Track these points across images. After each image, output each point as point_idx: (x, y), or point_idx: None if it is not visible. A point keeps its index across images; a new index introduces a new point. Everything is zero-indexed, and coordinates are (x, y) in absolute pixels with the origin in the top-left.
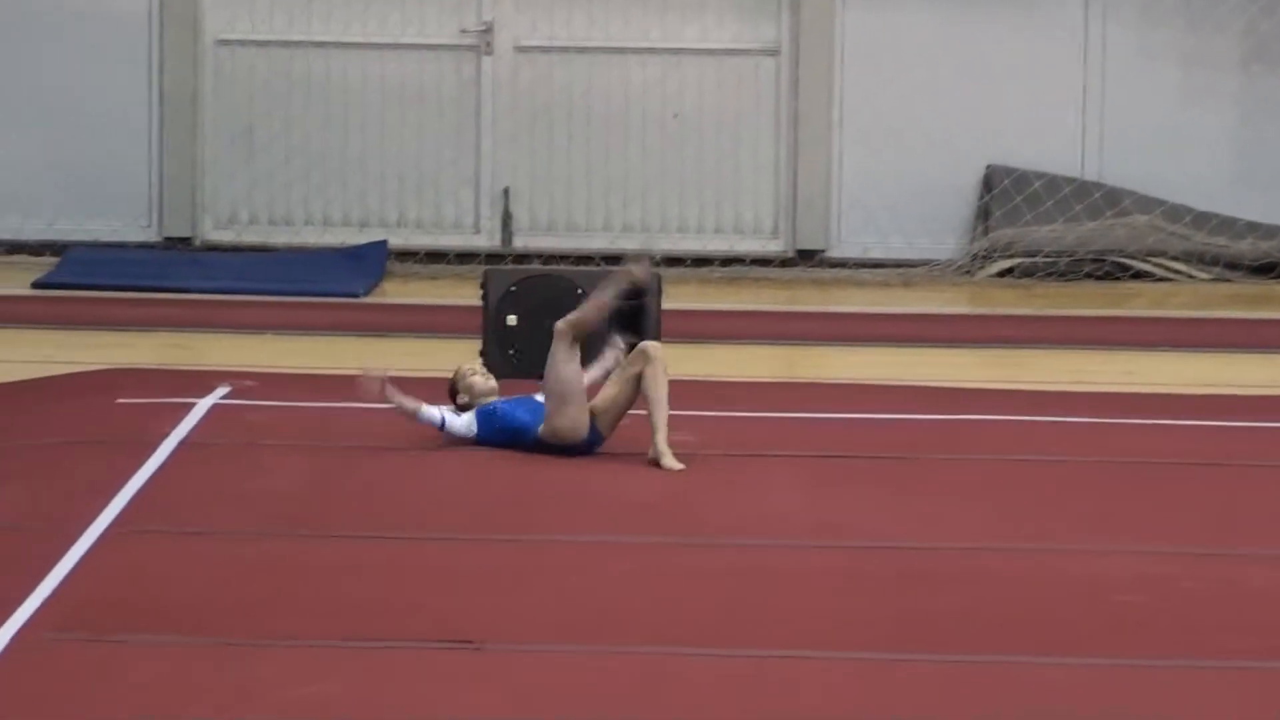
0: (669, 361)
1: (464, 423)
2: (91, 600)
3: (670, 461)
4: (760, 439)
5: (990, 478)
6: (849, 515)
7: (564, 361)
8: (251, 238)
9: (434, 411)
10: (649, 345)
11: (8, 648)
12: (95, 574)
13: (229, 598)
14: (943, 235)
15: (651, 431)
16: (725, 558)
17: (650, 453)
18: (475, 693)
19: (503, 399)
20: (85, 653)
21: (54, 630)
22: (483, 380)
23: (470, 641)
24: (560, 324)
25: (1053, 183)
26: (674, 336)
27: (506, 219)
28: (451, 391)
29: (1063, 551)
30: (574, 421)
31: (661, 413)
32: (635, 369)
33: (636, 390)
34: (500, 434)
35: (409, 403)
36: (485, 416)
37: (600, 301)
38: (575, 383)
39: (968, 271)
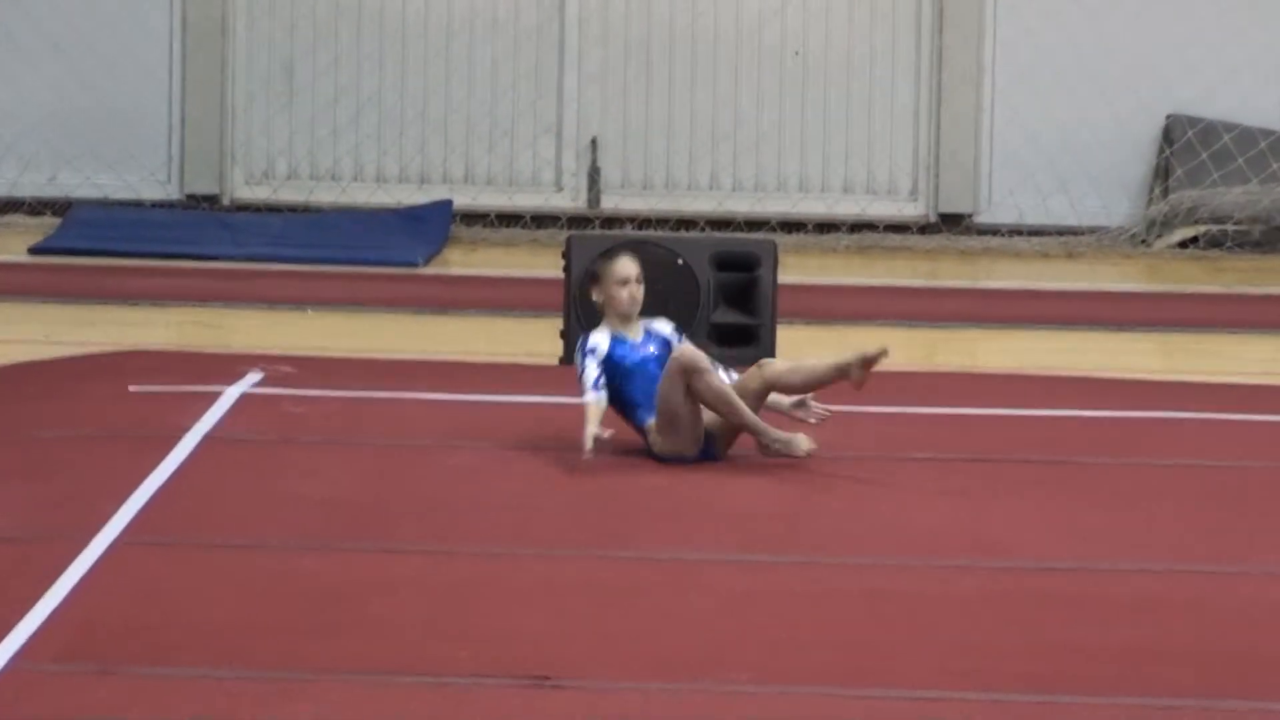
0: (787, 347)
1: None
2: (99, 624)
3: (796, 441)
4: (897, 438)
5: (1175, 485)
6: (1004, 530)
7: (672, 390)
8: (290, 195)
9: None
10: (681, 353)
11: (1, 677)
12: (103, 593)
13: (260, 622)
14: (1114, 198)
15: (755, 435)
16: (854, 580)
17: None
18: None
19: (630, 343)
20: (90, 687)
21: (54, 660)
22: (629, 299)
23: (546, 677)
24: (688, 359)
25: (1246, 135)
26: (791, 315)
27: (594, 175)
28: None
29: (1271, 574)
30: (676, 449)
31: (742, 416)
32: (682, 384)
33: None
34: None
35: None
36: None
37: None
38: (685, 416)
39: (1144, 241)
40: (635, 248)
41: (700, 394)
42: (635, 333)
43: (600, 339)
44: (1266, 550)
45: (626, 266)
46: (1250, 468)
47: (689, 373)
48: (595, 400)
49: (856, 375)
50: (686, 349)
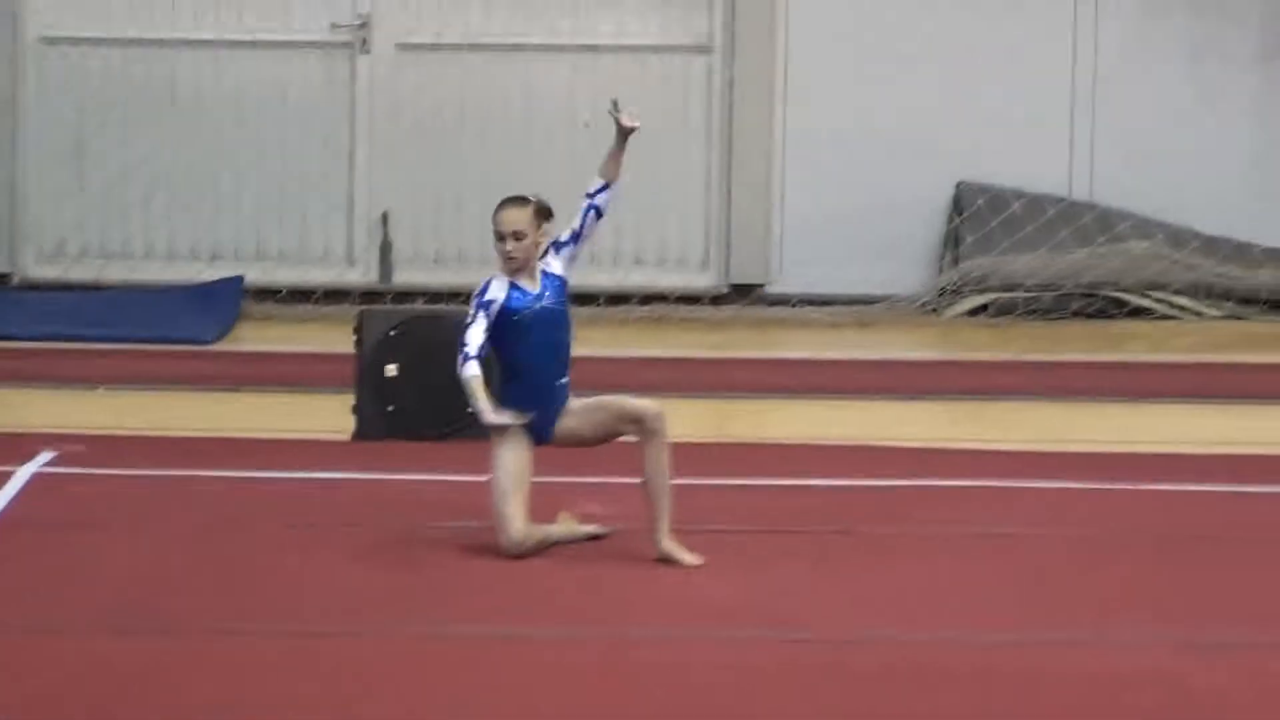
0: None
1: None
2: None
3: (685, 555)
4: (685, 510)
5: (964, 554)
6: (789, 600)
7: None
8: (82, 274)
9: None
10: (648, 410)
11: None
12: None
13: (55, 708)
14: (905, 266)
15: (654, 522)
16: (649, 652)
17: (657, 550)
18: None
19: (529, 293)
20: None
21: None
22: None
23: None
24: (656, 424)
25: (1035, 203)
26: (585, 387)
27: (385, 249)
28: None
29: (1053, 643)
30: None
31: (665, 501)
32: (619, 430)
33: (603, 440)
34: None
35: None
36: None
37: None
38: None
39: (934, 309)
40: (518, 200)
41: (648, 461)
42: (531, 282)
43: (498, 289)
44: (1051, 620)
45: (500, 221)
46: (1040, 535)
47: (652, 435)
48: (475, 375)
49: None
50: (659, 411)
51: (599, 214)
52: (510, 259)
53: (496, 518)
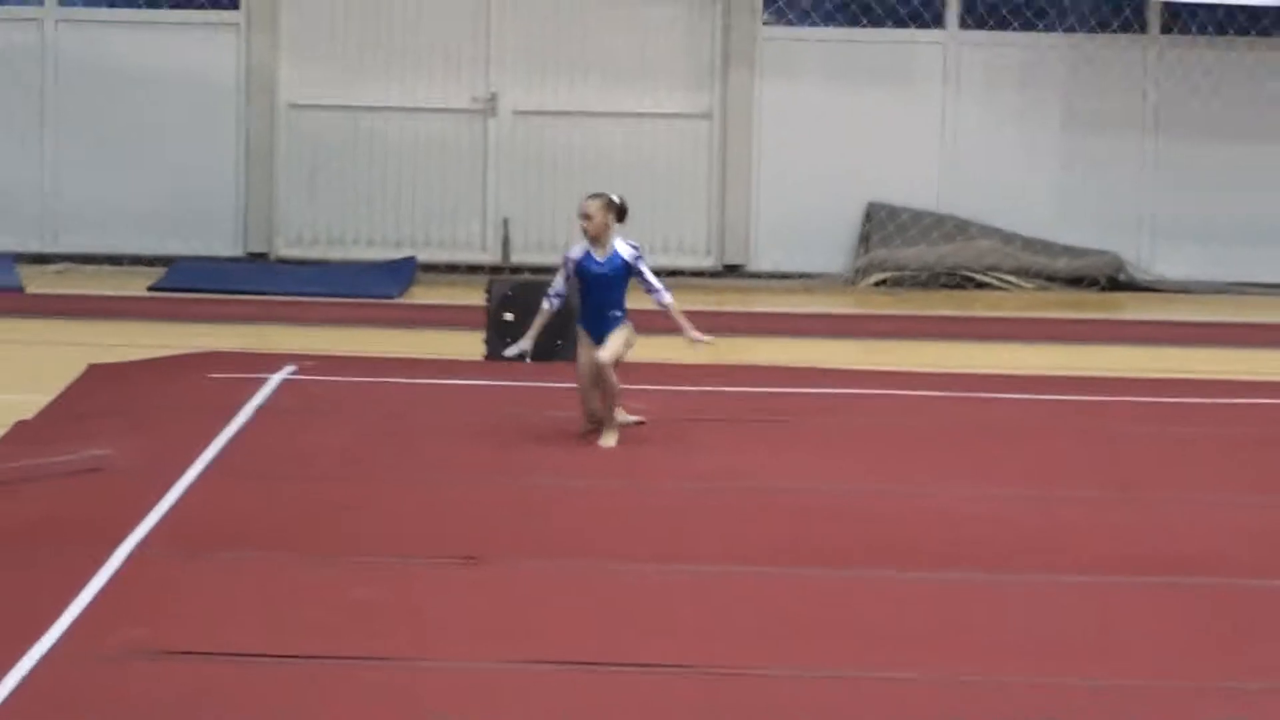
0: (635, 350)
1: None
2: (192, 525)
3: (624, 418)
4: (697, 407)
5: (868, 436)
6: (764, 464)
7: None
8: (313, 253)
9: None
10: (599, 355)
11: (125, 563)
12: (194, 506)
13: (297, 524)
14: (834, 255)
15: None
16: (668, 496)
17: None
18: (476, 598)
19: (595, 259)
20: (184, 566)
21: (160, 549)
22: (582, 230)
23: (473, 557)
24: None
25: (916, 215)
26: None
27: (506, 241)
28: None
29: (926, 494)
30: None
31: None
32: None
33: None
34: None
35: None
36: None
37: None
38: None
39: (852, 282)
40: (597, 195)
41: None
42: (602, 253)
43: (577, 251)
44: (919, 478)
45: (581, 206)
46: (916, 425)
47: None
48: (548, 308)
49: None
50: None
51: (647, 288)
52: (584, 230)
53: (581, 398)
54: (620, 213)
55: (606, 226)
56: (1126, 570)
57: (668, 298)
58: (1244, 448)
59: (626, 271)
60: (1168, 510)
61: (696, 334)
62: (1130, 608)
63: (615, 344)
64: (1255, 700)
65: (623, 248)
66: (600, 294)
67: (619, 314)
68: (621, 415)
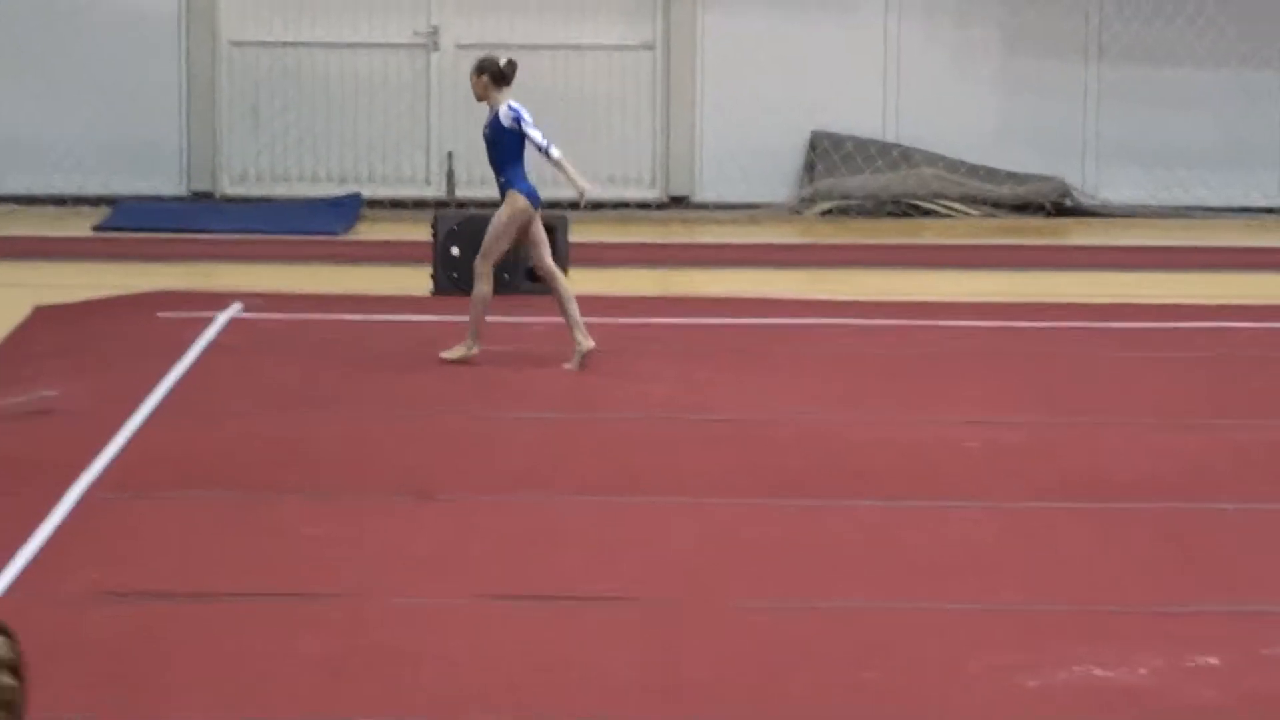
0: (582, 283)
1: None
2: (142, 465)
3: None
4: (645, 338)
5: (816, 365)
6: (712, 395)
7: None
8: (258, 191)
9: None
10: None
11: (77, 505)
12: (144, 446)
13: (248, 461)
14: (779, 185)
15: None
16: (616, 427)
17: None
18: (427, 532)
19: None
20: (135, 506)
21: (111, 490)
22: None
23: (424, 491)
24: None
25: (861, 144)
26: (580, 263)
27: (450, 175)
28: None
29: (872, 422)
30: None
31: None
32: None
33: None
34: None
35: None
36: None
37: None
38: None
39: (798, 212)
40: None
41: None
42: (489, 116)
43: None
44: (870, 405)
45: (472, 77)
46: (864, 353)
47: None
48: (556, 153)
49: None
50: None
51: (536, 148)
52: (478, 97)
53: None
54: (496, 76)
55: (485, 91)
56: (1069, 496)
57: (556, 152)
58: (1189, 372)
59: (505, 135)
60: (1112, 435)
61: (584, 184)
62: (1071, 532)
63: (486, 237)
64: (1192, 622)
65: (504, 112)
66: (489, 155)
67: (504, 180)
68: (579, 342)
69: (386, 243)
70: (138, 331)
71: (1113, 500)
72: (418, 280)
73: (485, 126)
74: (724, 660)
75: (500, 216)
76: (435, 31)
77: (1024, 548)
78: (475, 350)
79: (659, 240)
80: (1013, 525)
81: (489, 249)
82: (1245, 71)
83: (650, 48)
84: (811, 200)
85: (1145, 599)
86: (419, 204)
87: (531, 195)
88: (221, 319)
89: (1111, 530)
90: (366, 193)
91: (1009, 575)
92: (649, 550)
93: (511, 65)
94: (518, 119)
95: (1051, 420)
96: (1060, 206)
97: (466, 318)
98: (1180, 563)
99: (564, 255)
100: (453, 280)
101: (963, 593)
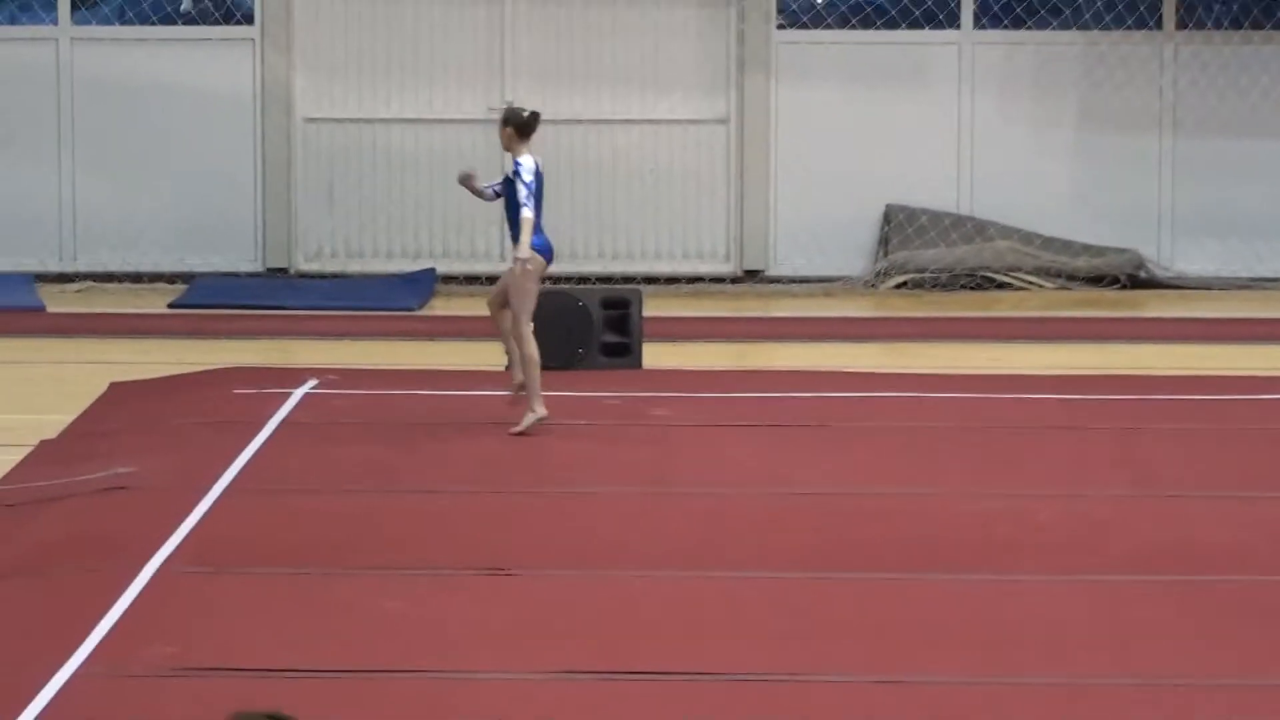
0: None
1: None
2: (218, 541)
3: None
4: (721, 413)
5: (891, 438)
6: (789, 469)
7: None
8: (333, 267)
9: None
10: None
11: (152, 581)
12: (220, 522)
13: (323, 537)
14: (854, 258)
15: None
16: (696, 502)
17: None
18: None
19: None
20: (211, 582)
21: (187, 566)
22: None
23: (501, 568)
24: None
25: (936, 217)
26: (654, 337)
27: None
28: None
29: (949, 494)
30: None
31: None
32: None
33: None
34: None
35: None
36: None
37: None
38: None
39: (873, 285)
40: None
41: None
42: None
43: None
44: (946, 479)
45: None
46: (940, 426)
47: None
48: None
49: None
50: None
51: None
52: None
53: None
54: (520, 127)
55: (510, 142)
56: (1150, 568)
57: (527, 213)
58: (1268, 444)
59: (512, 186)
60: (1192, 507)
61: (524, 253)
62: (1153, 604)
63: (512, 300)
64: (1274, 695)
65: (524, 162)
66: (506, 206)
67: (515, 233)
68: (530, 415)
69: (461, 318)
70: (213, 407)
71: (1194, 573)
72: (492, 356)
73: (504, 176)
74: None
75: (516, 274)
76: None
77: (1105, 620)
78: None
79: (734, 314)
80: (1093, 598)
81: (520, 309)
82: None
83: (724, 122)
84: (886, 273)
85: (1229, 672)
86: (493, 279)
87: (543, 249)
88: (296, 395)
89: (1193, 603)
90: (441, 268)
91: (1089, 648)
92: (729, 624)
93: (535, 117)
94: (516, 172)
95: (1130, 492)
96: (1135, 279)
97: (542, 393)
98: (1267, 637)
99: (638, 330)
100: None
101: (1044, 666)
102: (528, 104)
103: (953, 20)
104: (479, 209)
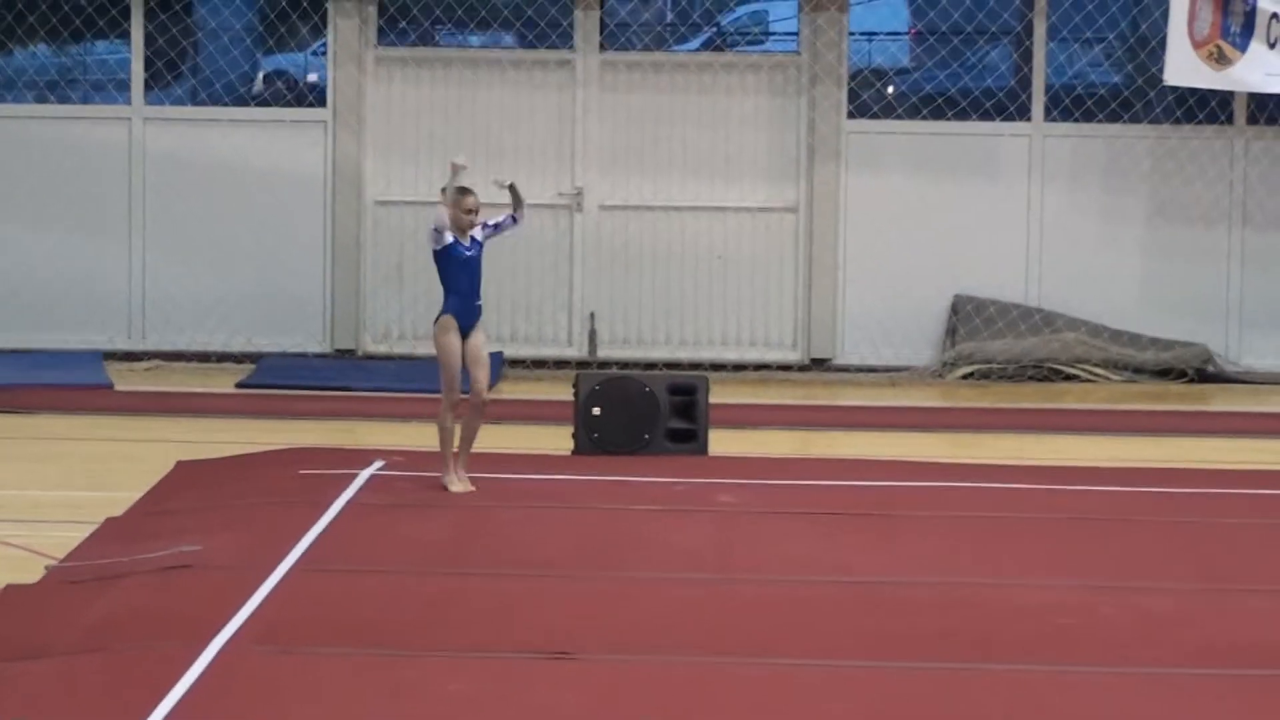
0: (722, 444)
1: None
2: (283, 620)
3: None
4: (785, 500)
5: (955, 529)
6: (852, 557)
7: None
8: (400, 349)
9: (447, 236)
10: (482, 390)
11: (216, 659)
12: (285, 602)
13: (388, 619)
14: (920, 348)
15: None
16: (758, 589)
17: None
18: (569, 692)
19: (463, 245)
20: (276, 662)
21: (251, 645)
22: (469, 224)
23: (565, 652)
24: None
25: (1003, 308)
26: (720, 424)
27: (592, 335)
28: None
29: (1011, 585)
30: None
31: (469, 444)
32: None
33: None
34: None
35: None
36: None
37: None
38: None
39: (939, 375)
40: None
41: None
42: (467, 239)
43: (450, 235)
44: (1010, 570)
45: (472, 202)
46: (1005, 518)
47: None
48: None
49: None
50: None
51: (512, 224)
52: (471, 224)
53: (446, 386)
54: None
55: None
56: (1213, 662)
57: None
58: None
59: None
60: (1257, 603)
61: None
62: (1217, 699)
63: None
64: None
65: (478, 232)
66: (471, 279)
67: (480, 304)
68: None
69: (528, 402)
70: (279, 487)
71: (1258, 667)
72: (559, 440)
73: (468, 248)
74: None
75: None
76: (579, 193)
77: (1166, 715)
78: (453, 488)
79: (799, 402)
80: (1154, 692)
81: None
82: None
83: (794, 210)
84: (953, 364)
85: None
86: (560, 364)
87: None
88: (363, 476)
89: (1258, 700)
90: (509, 352)
91: None
92: (790, 712)
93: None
94: (486, 226)
95: (1195, 586)
96: (1203, 373)
97: (607, 477)
98: None
99: (704, 416)
100: (593, 440)
101: None
102: (598, 189)
103: (1023, 112)
104: (547, 293)
